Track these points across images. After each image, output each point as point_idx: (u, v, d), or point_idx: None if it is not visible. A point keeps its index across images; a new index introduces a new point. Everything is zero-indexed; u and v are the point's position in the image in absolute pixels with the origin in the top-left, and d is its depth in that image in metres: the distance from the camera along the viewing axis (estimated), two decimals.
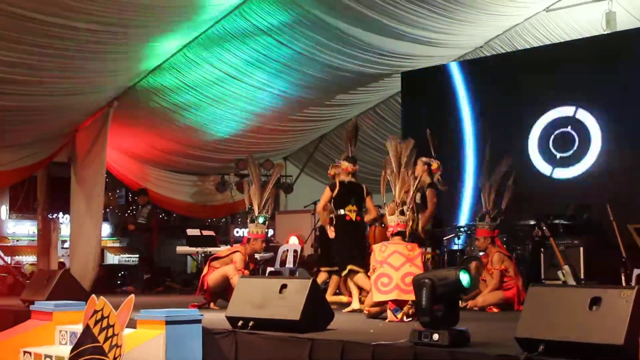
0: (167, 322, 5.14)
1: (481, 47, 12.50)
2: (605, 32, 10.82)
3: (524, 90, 11.20)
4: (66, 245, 13.73)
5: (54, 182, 13.22)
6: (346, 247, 8.05)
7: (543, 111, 10.94)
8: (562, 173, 10.73)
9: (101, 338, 4.97)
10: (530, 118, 11.05)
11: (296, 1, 9.89)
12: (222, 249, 9.80)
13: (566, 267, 8.63)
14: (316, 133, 14.99)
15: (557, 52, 11.16)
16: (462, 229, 10.61)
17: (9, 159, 11.31)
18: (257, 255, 9.52)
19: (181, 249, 12.34)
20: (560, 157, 10.74)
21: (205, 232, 12.38)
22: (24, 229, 16.03)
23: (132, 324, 5.22)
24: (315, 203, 11.58)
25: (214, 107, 12.35)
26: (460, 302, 5.83)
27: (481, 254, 8.46)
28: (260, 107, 12.70)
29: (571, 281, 8.51)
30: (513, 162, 8.68)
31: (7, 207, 15.40)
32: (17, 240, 14.72)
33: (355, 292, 7.83)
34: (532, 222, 9.59)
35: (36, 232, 13.56)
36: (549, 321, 4.01)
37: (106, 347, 4.91)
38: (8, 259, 12.87)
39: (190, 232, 12.33)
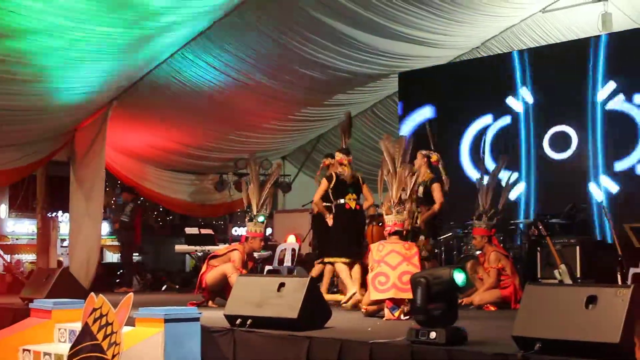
0: (166, 320, 5.14)
1: (478, 47, 12.54)
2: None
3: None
4: (65, 243, 13.73)
5: (53, 181, 13.22)
6: (345, 236, 8.10)
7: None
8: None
9: (100, 336, 4.97)
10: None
11: (294, 1, 9.91)
12: (221, 248, 9.82)
13: (562, 266, 8.67)
14: (314, 133, 15.01)
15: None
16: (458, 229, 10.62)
17: (9, 158, 11.29)
18: (255, 254, 9.55)
19: (180, 247, 12.36)
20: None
21: (203, 231, 12.40)
22: (24, 228, 16.06)
23: (130, 322, 5.21)
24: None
25: (214, 107, 12.35)
26: None
27: (478, 252, 8.49)
28: (259, 106, 12.72)
29: (567, 280, 8.54)
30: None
31: (7, 206, 15.44)
32: (17, 239, 14.76)
33: (349, 282, 7.86)
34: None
35: (35, 231, 13.57)
36: (546, 320, 4.03)
37: (105, 345, 4.91)
38: (7, 257, 12.87)
39: (189, 230, 12.35)
